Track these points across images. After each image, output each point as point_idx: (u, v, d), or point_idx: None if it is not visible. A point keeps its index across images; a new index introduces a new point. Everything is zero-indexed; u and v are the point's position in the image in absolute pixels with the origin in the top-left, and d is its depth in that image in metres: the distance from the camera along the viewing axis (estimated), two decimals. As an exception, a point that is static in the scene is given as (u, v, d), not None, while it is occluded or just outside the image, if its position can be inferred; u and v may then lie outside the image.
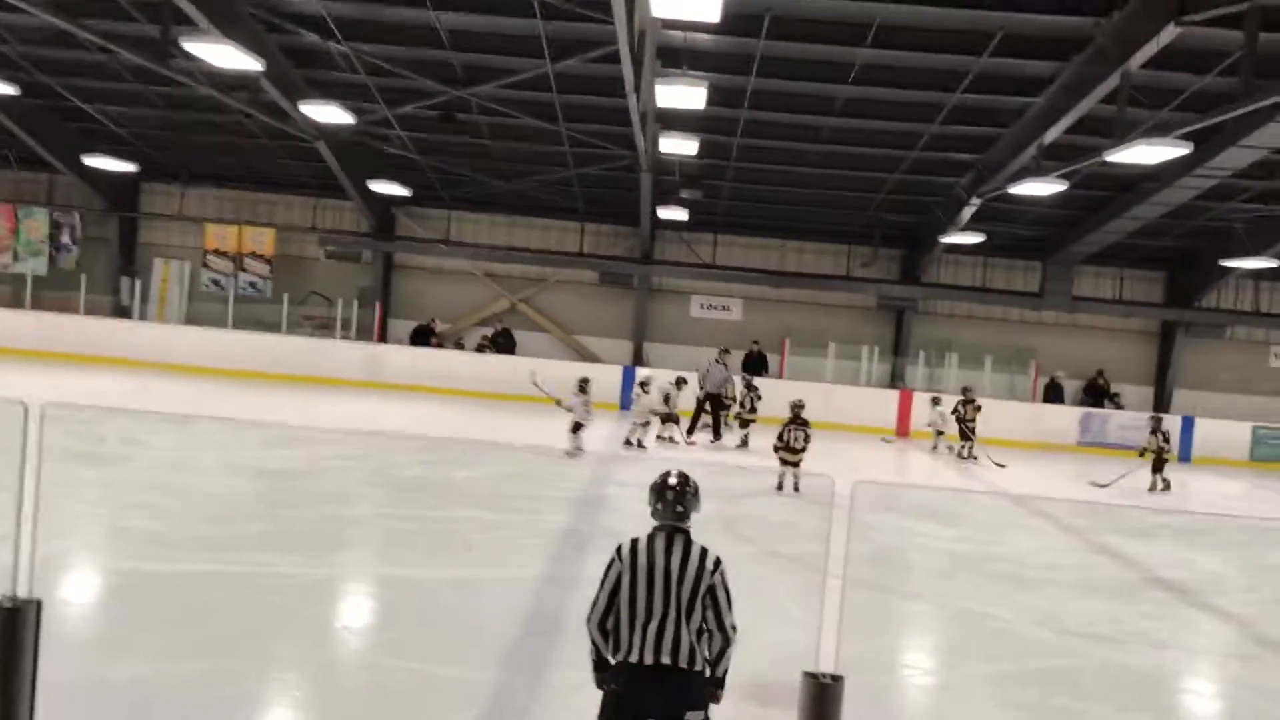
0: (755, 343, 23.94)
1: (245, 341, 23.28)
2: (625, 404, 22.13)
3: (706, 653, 3.99)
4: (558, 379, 20.24)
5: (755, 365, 23.37)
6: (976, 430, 19.33)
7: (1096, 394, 24.17)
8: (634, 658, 3.90)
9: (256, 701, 5.50)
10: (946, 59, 15.09)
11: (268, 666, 5.97)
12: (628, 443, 16.46)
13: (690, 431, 18.36)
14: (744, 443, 18.08)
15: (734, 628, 4.03)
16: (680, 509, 4.10)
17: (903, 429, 22.64)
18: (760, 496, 13.45)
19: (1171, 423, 22.45)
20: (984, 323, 25.22)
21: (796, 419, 13.93)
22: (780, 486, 13.71)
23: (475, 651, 6.39)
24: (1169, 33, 11.65)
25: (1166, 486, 16.78)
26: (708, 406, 19.03)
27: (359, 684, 5.91)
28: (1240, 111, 12.17)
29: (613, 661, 4.03)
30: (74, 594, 7.19)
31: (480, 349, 23.70)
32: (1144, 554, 11.80)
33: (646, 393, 16.66)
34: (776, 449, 14.00)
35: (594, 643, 4.08)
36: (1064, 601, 9.17)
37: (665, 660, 3.89)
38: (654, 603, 3.94)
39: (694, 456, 16.70)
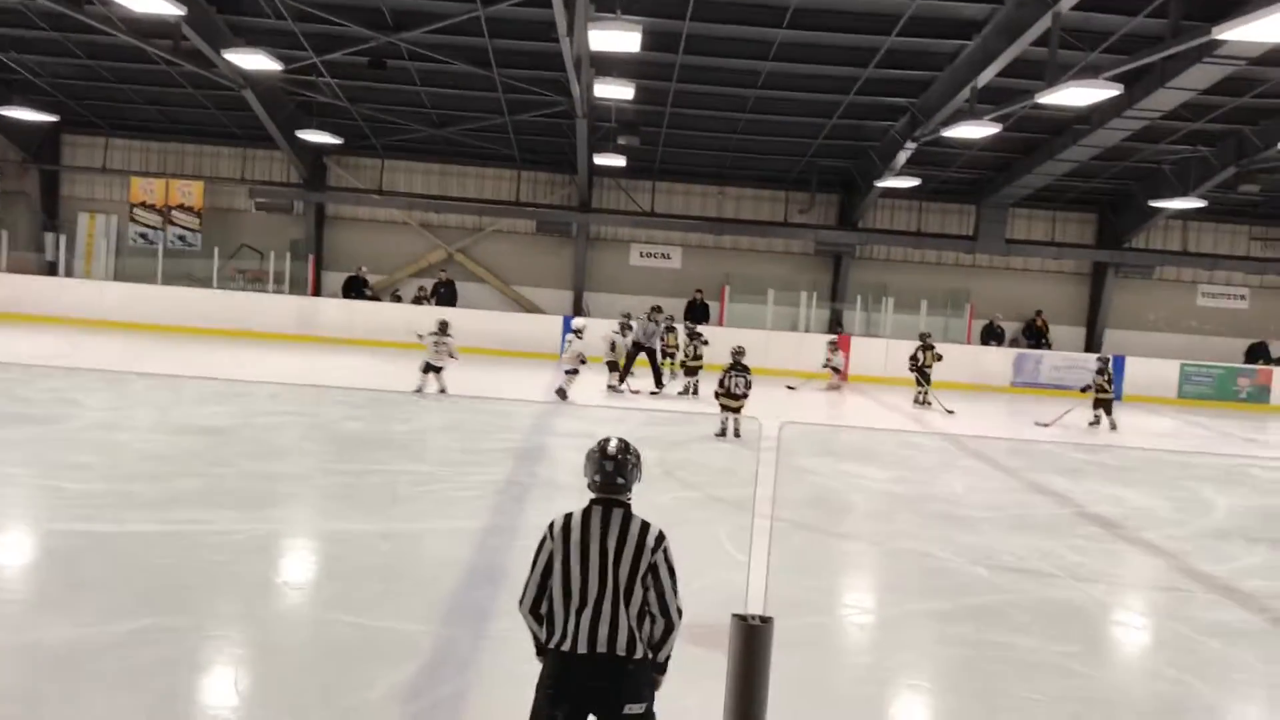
0: (698, 291, 23.98)
1: (176, 296, 22.86)
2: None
3: (647, 637, 3.61)
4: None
5: (698, 314, 23.44)
6: (931, 376, 19.52)
7: (1035, 335, 24.53)
8: (567, 646, 3.52)
9: (196, 659, 5.44)
10: (881, 2, 15.08)
11: (207, 624, 5.91)
12: (560, 391, 15.94)
13: (621, 379, 18.22)
14: (692, 390, 18.09)
15: (679, 611, 3.65)
16: (620, 480, 3.71)
17: (843, 374, 22.85)
18: (701, 443, 13.53)
19: (1102, 362, 22.98)
20: (920, 266, 25.45)
21: (737, 365, 14.02)
22: (722, 433, 13.79)
23: (417, 604, 6.38)
24: (1099, -26, 11.72)
25: (1113, 426, 17.28)
26: (642, 357, 19.04)
27: (300, 639, 5.88)
28: (1168, 53, 12.34)
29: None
30: (6, 557, 7.06)
31: (418, 300, 23.46)
32: (1076, 490, 12.07)
33: (581, 339, 16.45)
34: (717, 395, 14.10)
35: (530, 629, 3.70)
36: (999, 539, 9.36)
37: (601, 649, 3.50)
38: (589, 585, 3.55)
39: (634, 404, 16.74)
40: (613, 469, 3.71)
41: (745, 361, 14.15)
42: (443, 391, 15.20)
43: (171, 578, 6.52)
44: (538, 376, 19.07)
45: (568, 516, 3.68)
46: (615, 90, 16.20)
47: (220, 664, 5.50)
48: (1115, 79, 13.06)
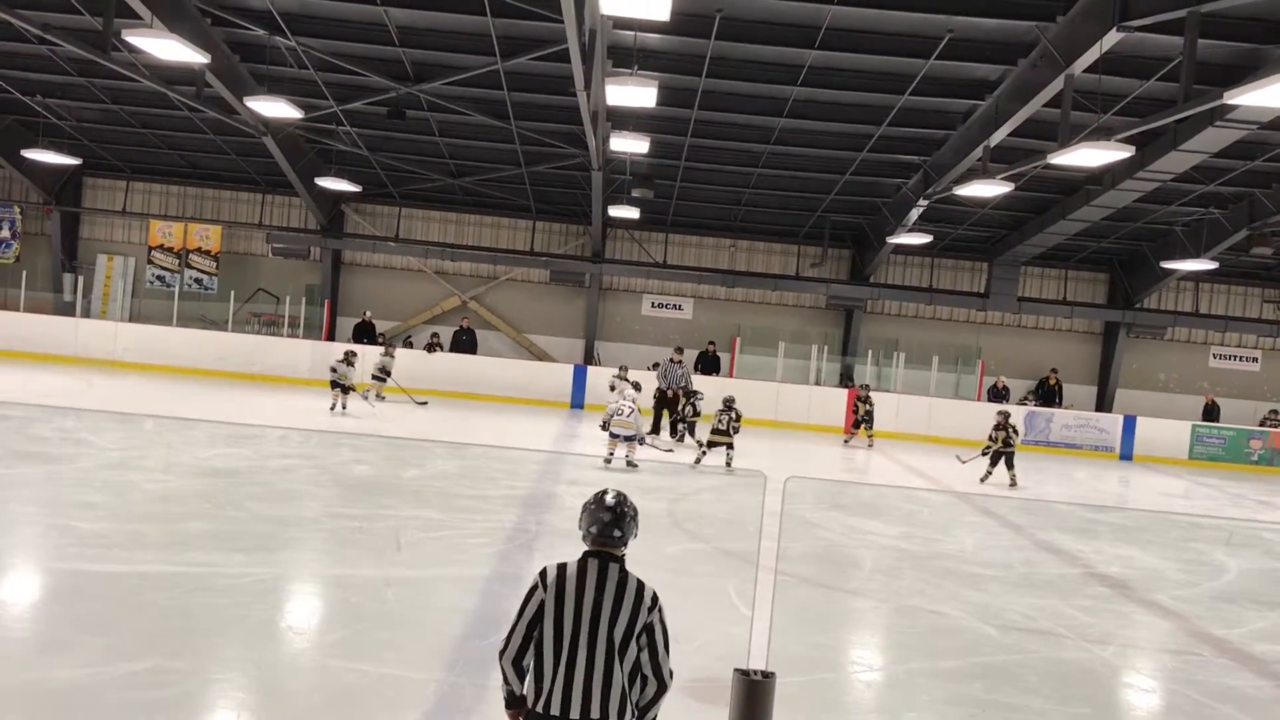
0: (711, 343, 24.03)
1: (191, 339, 22.99)
2: (576, 402, 22.15)
3: (635, 700, 3.48)
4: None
5: (709, 364, 23.48)
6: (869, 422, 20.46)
7: (1048, 394, 24.43)
8: (555, 709, 3.35)
9: (199, 703, 5.43)
10: (895, 61, 15.23)
11: (210, 667, 5.90)
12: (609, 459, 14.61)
13: (655, 431, 18.33)
14: (690, 441, 17.99)
15: (671, 674, 3.53)
16: (618, 533, 3.56)
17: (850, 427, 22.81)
18: (708, 494, 13.51)
19: (1113, 421, 22.92)
20: (931, 322, 25.49)
21: (727, 408, 15.12)
22: (697, 461, 14.89)
23: (421, 651, 6.36)
24: (1111, 38, 11.83)
25: (1012, 482, 16.24)
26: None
27: (304, 685, 5.86)
28: (1180, 116, 12.42)
29: (527, 705, 3.48)
30: (12, 594, 7.07)
31: (430, 348, 23.56)
32: (1085, 550, 11.99)
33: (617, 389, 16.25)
34: (711, 435, 15.22)
35: (506, 679, 3.52)
36: (1008, 597, 9.29)
37: (594, 714, 3.34)
38: (579, 640, 3.39)
39: (642, 453, 16.72)
40: (610, 520, 3.57)
41: (736, 407, 15.23)
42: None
43: (176, 619, 6.52)
44: (547, 424, 19.08)
45: (561, 567, 3.53)
46: (630, 144, 16.36)
47: (222, 708, 5.48)
48: (1127, 141, 13.16)
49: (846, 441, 20.42)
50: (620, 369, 18.16)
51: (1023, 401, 24.23)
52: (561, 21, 11.44)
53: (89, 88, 19.91)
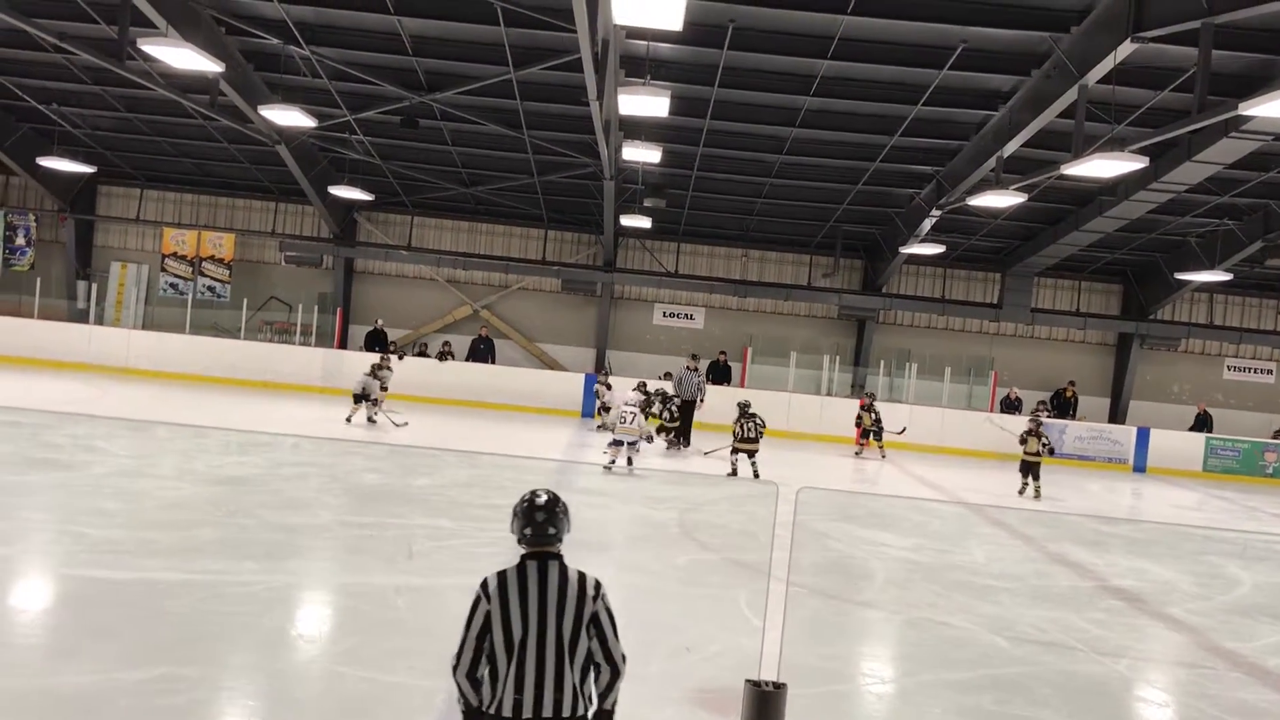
0: (722, 353, 24.02)
1: (204, 346, 23.06)
2: (587, 411, 22.14)
3: (593, 689, 3.56)
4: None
5: (720, 374, 23.47)
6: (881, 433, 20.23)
7: (1063, 406, 24.31)
8: (508, 711, 3.42)
9: (209, 710, 5.43)
10: (907, 72, 15.22)
11: (221, 675, 5.90)
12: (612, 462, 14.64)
13: (683, 440, 18.50)
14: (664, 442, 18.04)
15: (623, 658, 3.59)
16: (552, 530, 3.63)
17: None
18: (719, 504, 13.49)
19: (1126, 433, 22.80)
20: (944, 333, 25.43)
21: (745, 414, 14.96)
22: (734, 472, 14.63)
23: (431, 660, 6.34)
24: (1125, 48, 11.81)
25: (1036, 495, 16.20)
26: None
27: (314, 693, 5.86)
28: (1194, 127, 12.36)
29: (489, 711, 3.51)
30: (24, 601, 7.09)
31: (441, 357, 23.59)
32: (1097, 562, 11.93)
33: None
34: (735, 444, 14.96)
35: (462, 692, 3.54)
36: (1019, 609, 9.25)
37: (547, 714, 3.41)
38: (529, 643, 3.45)
39: (651, 464, 16.69)
40: (544, 519, 3.63)
41: (753, 411, 15.15)
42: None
43: (187, 627, 6.53)
44: (559, 433, 19.08)
45: (502, 574, 3.58)
46: (643, 153, 16.38)
47: (232, 716, 5.48)
48: (1141, 152, 13.11)
49: (858, 453, 20.38)
50: (603, 371, 18.30)
51: (1035, 412, 24.12)
52: (574, 31, 11.48)
53: (104, 96, 20.02)
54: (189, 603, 7.02)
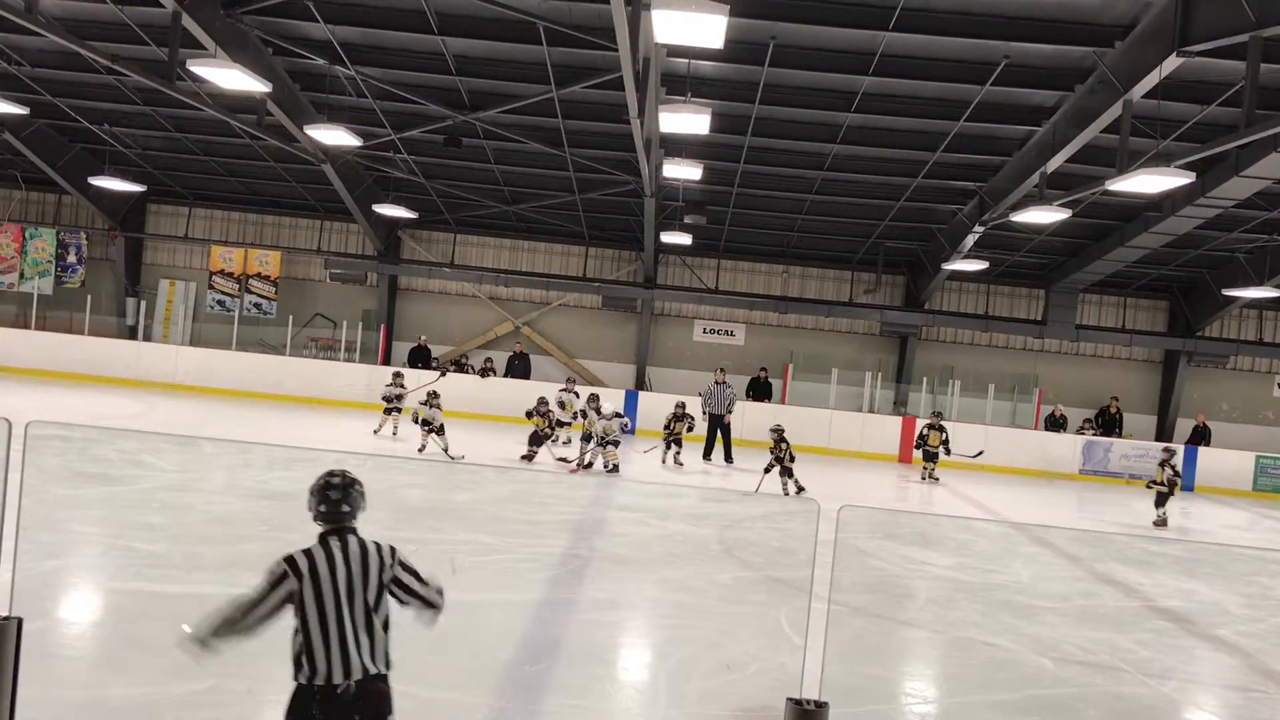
0: (763, 369, 23.96)
1: (250, 362, 23.34)
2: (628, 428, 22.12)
3: (385, 652, 4.01)
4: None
5: (761, 391, 23.41)
6: (938, 455, 19.50)
7: (1108, 423, 24.01)
8: (320, 680, 3.81)
9: (252, 723, 5.49)
10: (950, 87, 15.15)
11: (263, 689, 5.95)
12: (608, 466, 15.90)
13: (707, 455, 18.66)
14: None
15: (440, 591, 4.06)
16: (347, 508, 3.95)
17: (905, 456, 22.58)
18: (759, 521, 13.44)
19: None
20: (987, 350, 25.22)
21: (781, 440, 15.36)
22: (800, 490, 15.00)
23: (472, 676, 6.38)
24: (1171, 63, 11.68)
25: (1163, 523, 16.11)
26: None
27: (355, 707, 5.89)
28: (1242, 142, 12.20)
29: (301, 682, 3.89)
30: (72, 613, 7.20)
31: (483, 373, 23.71)
32: (1145, 583, 11.76)
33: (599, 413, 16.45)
34: (783, 469, 15.28)
35: (207, 643, 3.89)
36: (1065, 630, 9.14)
37: (356, 675, 3.84)
38: (341, 613, 3.81)
39: (691, 481, 16.67)
40: (338, 498, 3.93)
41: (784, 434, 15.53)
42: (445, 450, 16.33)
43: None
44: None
45: (307, 552, 3.83)
46: (683, 170, 16.41)
47: (276, 729, 5.52)
48: (1188, 167, 12.95)
49: (924, 478, 19.30)
50: (568, 380, 18.48)
51: (1080, 430, 23.85)
52: (616, 50, 11.53)
53: (154, 116, 20.36)
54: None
